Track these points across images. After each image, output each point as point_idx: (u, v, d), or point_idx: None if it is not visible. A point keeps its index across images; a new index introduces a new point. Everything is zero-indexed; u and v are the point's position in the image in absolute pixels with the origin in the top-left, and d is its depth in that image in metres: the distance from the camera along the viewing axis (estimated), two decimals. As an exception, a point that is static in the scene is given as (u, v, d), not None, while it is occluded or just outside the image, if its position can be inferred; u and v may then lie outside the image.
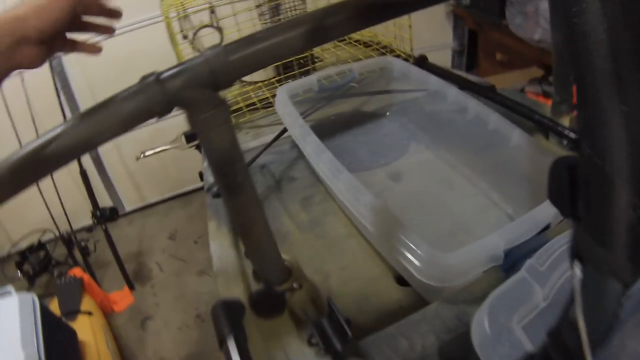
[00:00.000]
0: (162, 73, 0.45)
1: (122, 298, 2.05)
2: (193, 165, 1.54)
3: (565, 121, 0.86)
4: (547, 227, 0.63)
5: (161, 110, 0.46)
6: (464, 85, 0.99)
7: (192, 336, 1.85)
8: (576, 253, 0.33)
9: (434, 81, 0.99)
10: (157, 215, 2.60)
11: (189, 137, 1.06)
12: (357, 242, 0.79)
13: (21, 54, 0.50)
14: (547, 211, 0.64)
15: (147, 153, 1.07)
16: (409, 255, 0.58)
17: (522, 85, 1.71)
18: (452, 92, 0.95)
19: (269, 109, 1.23)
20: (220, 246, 0.80)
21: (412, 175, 0.96)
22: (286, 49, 0.48)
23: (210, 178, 0.98)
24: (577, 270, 0.32)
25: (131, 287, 2.11)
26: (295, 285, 0.66)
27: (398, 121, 1.13)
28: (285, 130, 0.99)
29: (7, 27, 0.48)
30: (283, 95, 1.00)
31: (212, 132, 0.49)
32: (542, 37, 1.83)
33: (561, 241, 0.60)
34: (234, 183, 0.53)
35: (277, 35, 0.47)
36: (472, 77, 1.09)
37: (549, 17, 0.76)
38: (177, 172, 2.56)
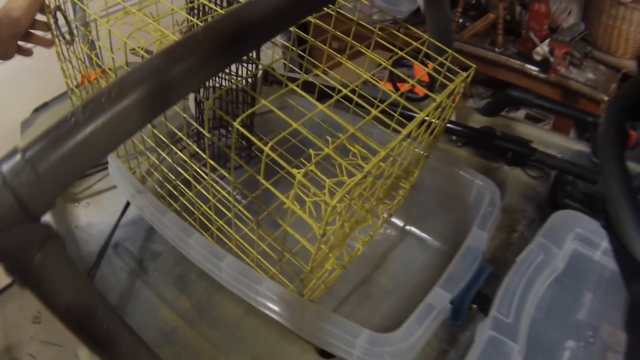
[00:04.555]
0: None
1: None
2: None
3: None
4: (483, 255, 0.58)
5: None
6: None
7: None
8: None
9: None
10: (15, 299, 2.15)
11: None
12: (259, 320, 0.65)
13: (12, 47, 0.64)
14: (479, 238, 0.59)
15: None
16: (347, 348, 0.48)
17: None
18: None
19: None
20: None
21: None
22: (124, 127, 0.33)
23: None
24: None
25: (11, 392, 1.70)
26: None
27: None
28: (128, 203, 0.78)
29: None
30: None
31: (49, 282, 0.32)
32: (381, 16, 1.79)
33: (515, 279, 0.54)
34: (101, 336, 0.36)
35: (103, 113, 0.31)
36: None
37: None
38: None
